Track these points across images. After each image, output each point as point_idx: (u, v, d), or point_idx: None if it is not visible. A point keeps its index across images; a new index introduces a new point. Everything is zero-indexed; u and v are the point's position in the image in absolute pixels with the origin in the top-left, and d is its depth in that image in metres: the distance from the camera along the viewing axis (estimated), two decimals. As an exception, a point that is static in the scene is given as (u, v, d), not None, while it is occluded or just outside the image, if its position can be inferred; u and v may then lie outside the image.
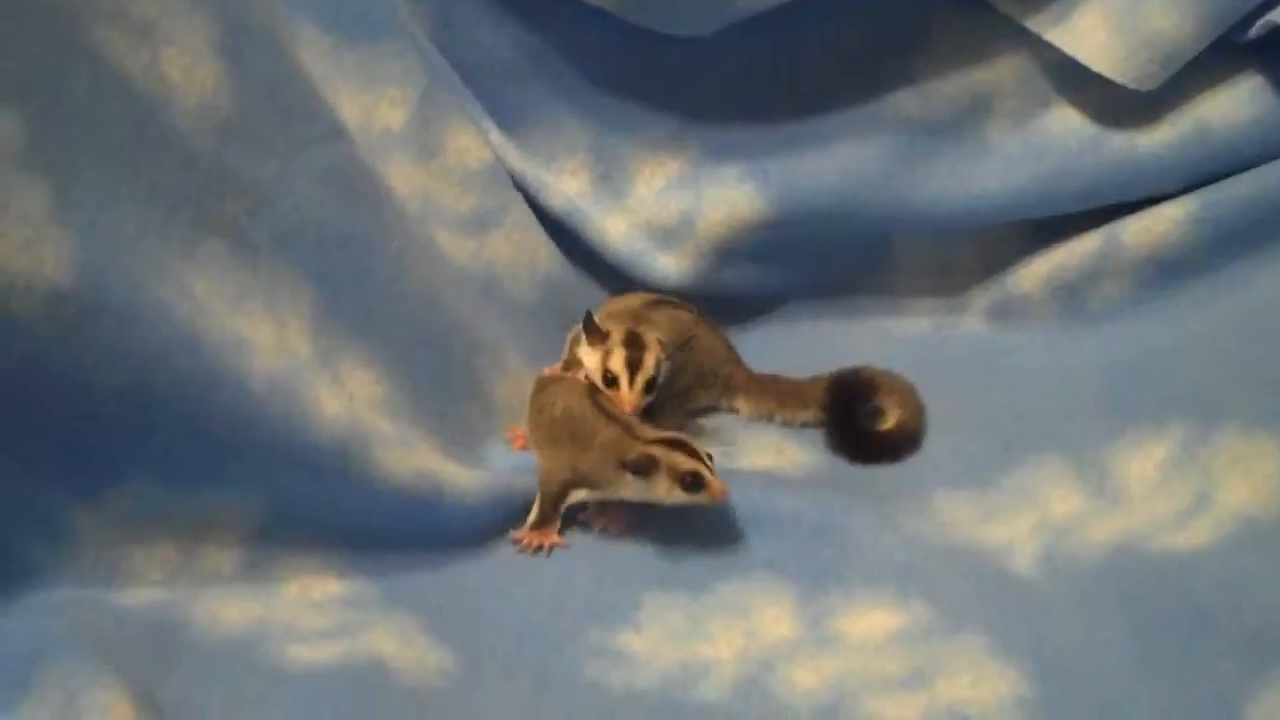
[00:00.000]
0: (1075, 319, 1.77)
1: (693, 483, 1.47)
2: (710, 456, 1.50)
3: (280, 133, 1.47)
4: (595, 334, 1.60)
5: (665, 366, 1.61)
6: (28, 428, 1.25)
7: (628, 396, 1.56)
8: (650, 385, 1.58)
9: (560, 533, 1.56)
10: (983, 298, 1.88)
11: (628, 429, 1.54)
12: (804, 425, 1.78)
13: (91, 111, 1.26)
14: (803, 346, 1.85)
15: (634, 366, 1.57)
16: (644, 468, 1.48)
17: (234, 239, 1.40)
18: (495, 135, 1.83)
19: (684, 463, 1.48)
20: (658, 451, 1.49)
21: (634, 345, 1.58)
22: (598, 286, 1.91)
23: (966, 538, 1.52)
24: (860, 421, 1.75)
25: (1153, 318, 1.70)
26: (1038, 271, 1.81)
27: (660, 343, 1.61)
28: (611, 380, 1.57)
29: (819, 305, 1.94)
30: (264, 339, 1.38)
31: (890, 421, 1.74)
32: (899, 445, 1.71)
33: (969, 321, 1.89)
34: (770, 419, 1.80)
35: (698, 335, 1.77)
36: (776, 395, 1.80)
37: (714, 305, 1.89)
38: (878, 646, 1.39)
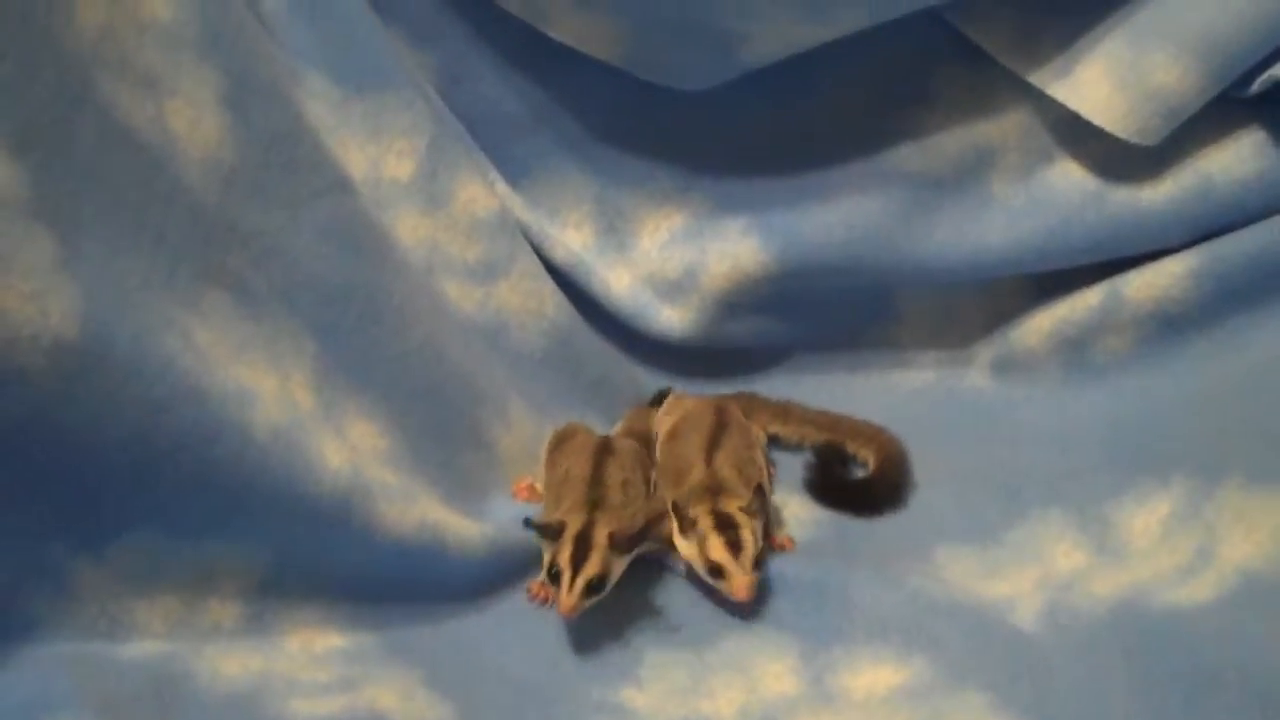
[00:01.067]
0: (1078, 373, 1.77)
1: (551, 574, 1.45)
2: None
3: (284, 185, 1.48)
4: (685, 519, 1.52)
5: (759, 527, 1.53)
6: (31, 480, 1.25)
7: (741, 581, 1.46)
8: (757, 561, 1.49)
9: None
10: (986, 351, 1.88)
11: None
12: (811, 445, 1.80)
13: (97, 163, 1.26)
14: (807, 399, 1.85)
15: (736, 548, 1.48)
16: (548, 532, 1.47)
17: (238, 290, 1.40)
18: (501, 186, 1.83)
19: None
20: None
21: (727, 526, 1.50)
22: (606, 336, 1.91)
23: (969, 593, 1.50)
24: (846, 479, 1.75)
25: (1156, 372, 1.69)
26: (1041, 325, 1.81)
27: (749, 509, 1.53)
28: (717, 570, 1.48)
29: (823, 358, 1.95)
30: (267, 391, 1.38)
31: (871, 466, 1.75)
32: (889, 486, 1.71)
33: (973, 375, 1.89)
34: (775, 439, 1.82)
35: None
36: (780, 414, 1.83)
37: (718, 358, 1.90)
38: (880, 703, 1.38)
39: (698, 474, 1.60)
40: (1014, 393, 1.82)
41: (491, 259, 1.79)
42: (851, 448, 1.78)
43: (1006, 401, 1.82)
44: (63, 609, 1.30)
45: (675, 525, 1.53)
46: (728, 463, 1.63)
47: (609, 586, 1.45)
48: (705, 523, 1.50)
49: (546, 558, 1.47)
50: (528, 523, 1.49)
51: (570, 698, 1.40)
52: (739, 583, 1.46)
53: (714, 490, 1.56)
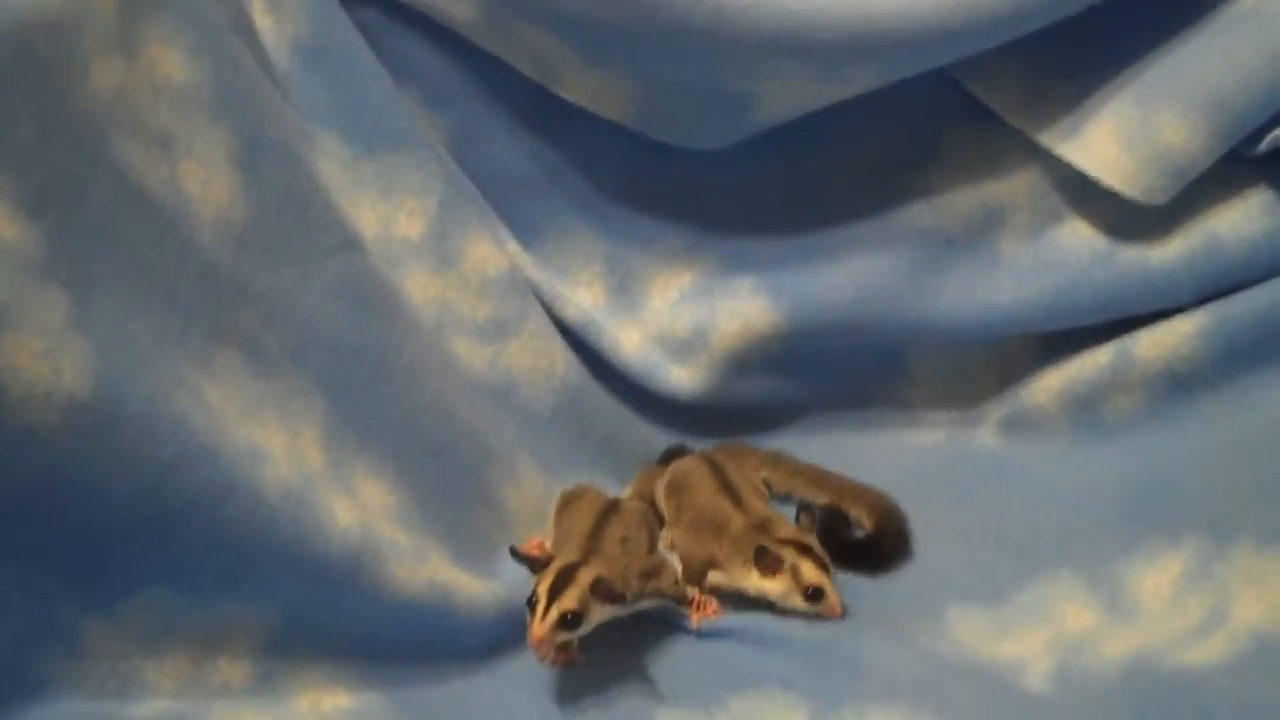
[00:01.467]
0: (1088, 432, 1.76)
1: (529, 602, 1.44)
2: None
3: (295, 244, 1.49)
4: (768, 562, 1.54)
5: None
6: (43, 537, 1.26)
7: (836, 599, 1.53)
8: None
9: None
10: (997, 411, 1.87)
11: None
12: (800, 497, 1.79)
13: (111, 223, 1.27)
14: (817, 458, 1.84)
15: (825, 567, 1.54)
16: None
17: (249, 349, 1.41)
18: (512, 245, 1.84)
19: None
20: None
21: (807, 550, 1.54)
22: (616, 395, 1.91)
23: (979, 653, 1.50)
24: (850, 538, 1.74)
25: (1166, 431, 1.68)
26: (1051, 385, 1.80)
27: (810, 530, 1.60)
28: (817, 593, 1.52)
29: (833, 417, 1.94)
30: (277, 449, 1.39)
31: (869, 525, 1.75)
32: (893, 539, 1.71)
33: (983, 434, 1.88)
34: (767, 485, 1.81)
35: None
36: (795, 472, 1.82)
37: (728, 417, 1.90)
38: (891, 764, 1.38)
39: (738, 519, 1.61)
40: (1024, 452, 1.81)
41: (502, 318, 1.79)
42: (845, 507, 1.77)
43: (1017, 461, 1.81)
44: (73, 668, 1.30)
45: (754, 572, 1.55)
46: (755, 499, 1.67)
47: (585, 627, 1.43)
48: (790, 554, 1.53)
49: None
50: (513, 551, 1.50)
51: (580, 759, 1.40)
52: (836, 601, 1.52)
53: (765, 526, 1.59)
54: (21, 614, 1.27)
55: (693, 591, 1.58)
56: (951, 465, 1.86)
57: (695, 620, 1.56)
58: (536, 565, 1.47)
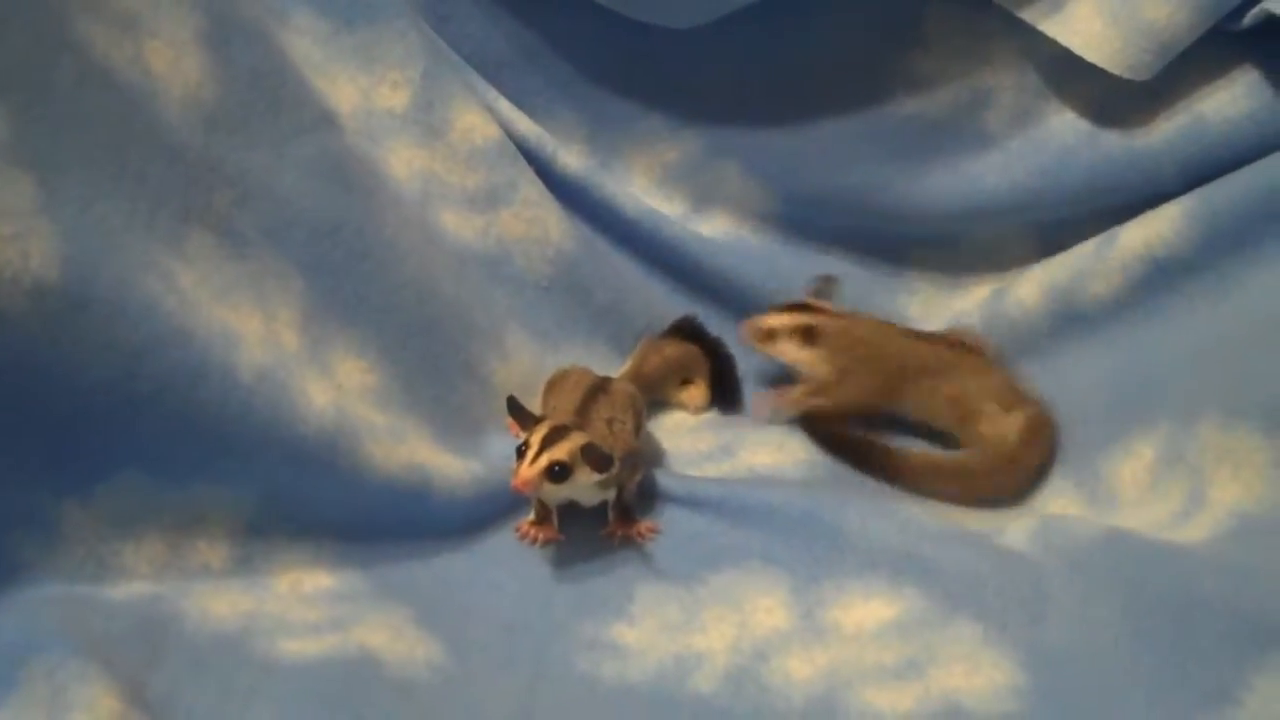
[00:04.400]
0: (1068, 322, 1.75)
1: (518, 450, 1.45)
2: None
3: (268, 122, 1.48)
4: None
5: None
6: (15, 423, 1.25)
7: None
8: None
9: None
10: (984, 308, 1.86)
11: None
12: None
13: (76, 105, 1.26)
14: None
15: None
16: None
17: (222, 231, 1.40)
18: (504, 106, 1.82)
19: None
20: None
21: None
22: (616, 261, 1.89)
23: (960, 523, 1.52)
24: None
25: (1145, 320, 1.66)
26: (1036, 276, 1.80)
27: None
28: None
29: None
30: (252, 331, 1.38)
31: None
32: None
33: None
34: None
35: None
36: None
37: (736, 275, 1.90)
38: (872, 637, 1.39)
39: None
40: (1005, 343, 1.80)
41: (492, 186, 1.77)
42: None
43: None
44: (50, 552, 1.31)
45: None
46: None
47: (566, 488, 1.44)
48: None
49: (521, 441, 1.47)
50: (511, 400, 1.50)
51: (561, 635, 1.41)
52: None
53: None
54: (-3, 498, 1.28)
55: None
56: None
57: None
58: (528, 420, 1.48)
